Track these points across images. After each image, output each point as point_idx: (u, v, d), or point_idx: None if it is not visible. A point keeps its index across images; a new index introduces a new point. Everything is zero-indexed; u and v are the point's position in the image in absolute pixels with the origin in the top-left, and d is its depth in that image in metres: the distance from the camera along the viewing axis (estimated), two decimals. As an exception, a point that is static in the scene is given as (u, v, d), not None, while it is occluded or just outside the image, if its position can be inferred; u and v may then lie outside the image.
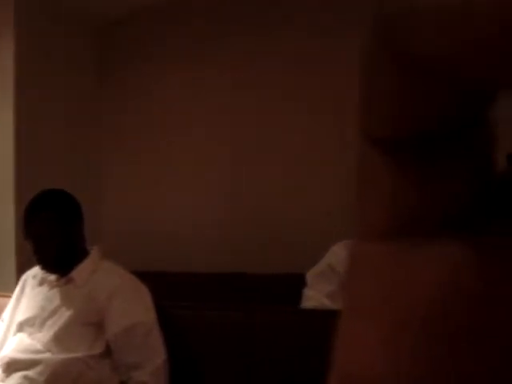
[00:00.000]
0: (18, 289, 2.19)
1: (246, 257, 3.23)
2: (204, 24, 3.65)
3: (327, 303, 2.07)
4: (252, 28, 3.42)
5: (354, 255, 0.19)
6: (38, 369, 1.89)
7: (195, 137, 3.71)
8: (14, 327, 2.09)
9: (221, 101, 3.56)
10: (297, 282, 2.27)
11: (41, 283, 2.12)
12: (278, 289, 2.65)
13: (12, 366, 1.94)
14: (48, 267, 2.09)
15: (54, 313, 2.01)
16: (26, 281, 2.19)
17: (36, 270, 2.17)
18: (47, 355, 1.92)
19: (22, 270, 2.44)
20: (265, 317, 1.98)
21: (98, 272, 2.07)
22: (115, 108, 4.06)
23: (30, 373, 1.89)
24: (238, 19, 3.49)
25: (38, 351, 1.94)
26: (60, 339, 1.94)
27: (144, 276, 2.13)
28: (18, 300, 2.15)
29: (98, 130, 4.05)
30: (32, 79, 3.63)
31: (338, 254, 2.13)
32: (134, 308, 1.97)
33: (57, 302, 2.03)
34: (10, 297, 2.23)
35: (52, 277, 2.10)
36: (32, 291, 2.13)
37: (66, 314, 1.98)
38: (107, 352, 1.94)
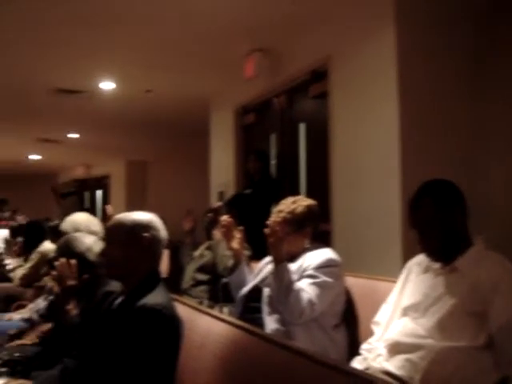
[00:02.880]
0: (403, 275, 2.28)
1: None
2: None
3: None
4: None
5: None
6: (420, 353, 1.93)
7: None
8: (398, 311, 2.19)
9: None
10: None
11: (425, 271, 2.17)
12: None
13: (396, 348, 2.03)
14: (432, 255, 2.12)
15: (437, 300, 2.03)
16: (410, 268, 2.27)
17: (420, 258, 2.22)
18: (429, 341, 1.95)
19: (406, 257, 2.52)
20: None
21: (483, 262, 2.01)
22: (491, 99, 3.88)
23: (413, 356, 1.95)
24: None
25: (420, 336, 1.98)
26: (443, 327, 1.95)
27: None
28: (403, 286, 2.24)
29: (475, 120, 3.92)
30: (413, 70, 3.69)
31: None
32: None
33: (440, 289, 2.05)
34: (394, 281, 2.33)
35: (436, 265, 2.12)
36: (417, 278, 2.19)
37: (449, 303, 1.98)
38: (490, 344, 1.87)
